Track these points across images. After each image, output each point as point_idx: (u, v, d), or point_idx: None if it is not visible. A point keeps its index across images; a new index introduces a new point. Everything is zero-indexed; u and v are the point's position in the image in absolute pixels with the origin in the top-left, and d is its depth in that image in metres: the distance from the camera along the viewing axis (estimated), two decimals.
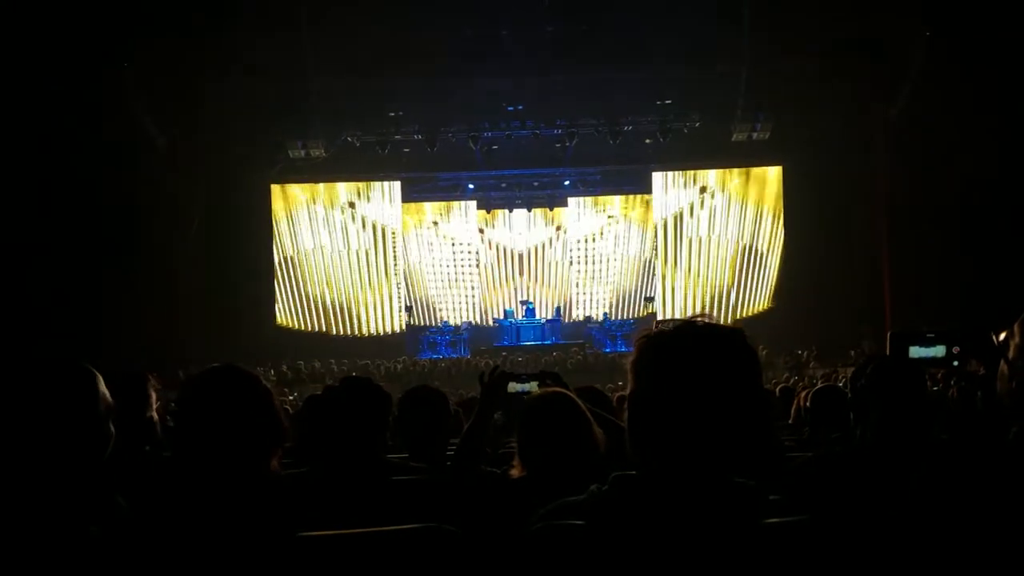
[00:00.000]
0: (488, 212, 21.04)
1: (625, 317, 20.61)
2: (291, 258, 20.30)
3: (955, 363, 2.74)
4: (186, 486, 1.67)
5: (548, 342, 19.95)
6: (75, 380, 1.69)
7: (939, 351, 2.73)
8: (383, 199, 20.52)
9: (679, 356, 1.33)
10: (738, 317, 19.72)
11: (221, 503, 1.62)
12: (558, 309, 20.78)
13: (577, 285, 21.08)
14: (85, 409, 1.68)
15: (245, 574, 1.53)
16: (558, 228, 21.17)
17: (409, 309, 20.59)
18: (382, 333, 20.41)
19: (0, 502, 1.53)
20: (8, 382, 1.63)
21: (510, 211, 21.05)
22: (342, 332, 20.31)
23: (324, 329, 20.31)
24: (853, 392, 2.62)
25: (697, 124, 18.42)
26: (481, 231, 21.11)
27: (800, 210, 18.88)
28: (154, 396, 3.09)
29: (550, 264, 21.20)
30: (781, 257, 19.82)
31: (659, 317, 19.36)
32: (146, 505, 1.68)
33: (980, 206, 14.33)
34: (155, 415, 3.07)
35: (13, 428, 1.60)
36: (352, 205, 20.47)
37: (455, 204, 21.03)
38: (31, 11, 12.43)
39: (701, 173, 20.32)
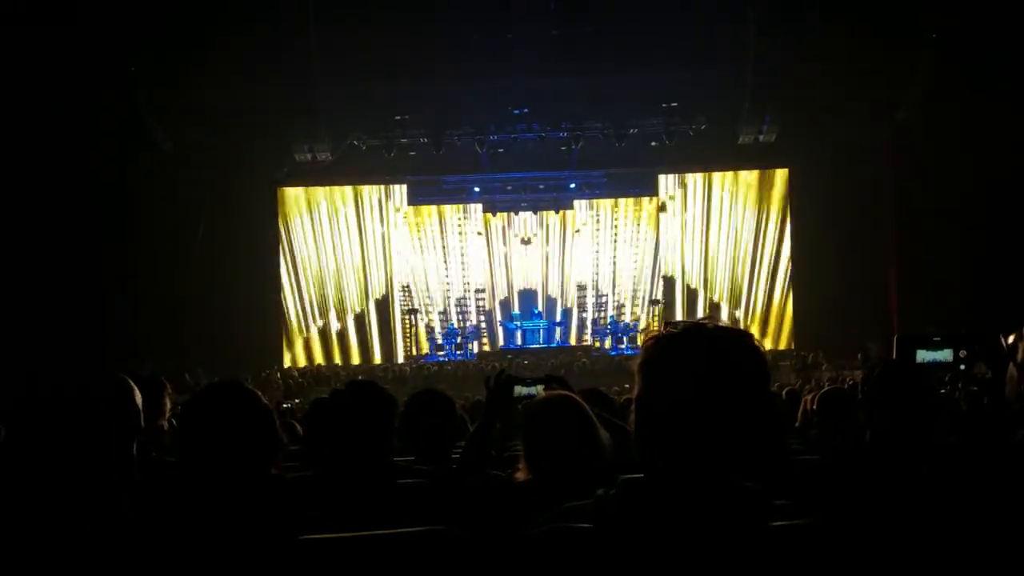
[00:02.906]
0: (494, 215, 21.05)
1: (631, 320, 20.59)
2: (297, 261, 20.33)
3: (962, 367, 2.73)
4: (189, 493, 1.70)
5: (554, 344, 19.96)
6: (115, 392, 1.77)
7: (946, 355, 2.72)
8: (389, 202, 20.54)
9: (687, 358, 1.32)
10: (745, 319, 19.68)
11: (221, 510, 1.64)
12: (564, 311, 20.78)
13: (583, 288, 21.06)
14: (123, 421, 1.76)
15: None
16: (564, 231, 21.16)
17: (415, 312, 20.60)
18: (388, 336, 20.41)
19: (19, 503, 1.56)
20: (52, 393, 1.70)
21: (516, 214, 21.05)
22: (347, 335, 20.32)
23: (329, 332, 20.32)
24: (863, 395, 2.61)
25: (703, 127, 18.41)
26: (486, 234, 21.11)
27: (807, 213, 18.84)
28: (168, 404, 3.11)
29: (556, 267, 21.18)
30: (788, 260, 19.77)
31: (666, 319, 19.34)
32: (152, 509, 1.69)
33: (988, 209, 14.28)
34: (165, 423, 3.09)
35: (51, 433, 1.65)
36: (358, 208, 20.49)
37: (461, 207, 21.03)
38: (36, 14, 12.48)
39: (707, 176, 20.30)
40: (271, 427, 1.86)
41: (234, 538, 1.56)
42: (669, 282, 20.40)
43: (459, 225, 21.10)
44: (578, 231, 21.00)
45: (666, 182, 20.39)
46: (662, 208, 20.51)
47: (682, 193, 20.43)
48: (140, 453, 2.86)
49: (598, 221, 21.07)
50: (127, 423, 1.77)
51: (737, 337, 1.34)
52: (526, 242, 21.00)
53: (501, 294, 21.15)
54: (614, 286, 21.01)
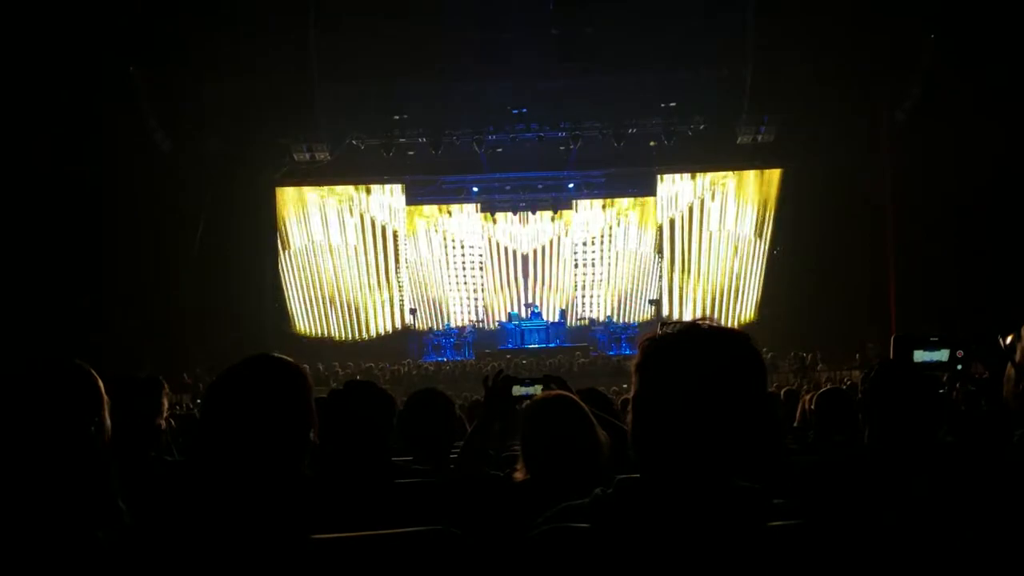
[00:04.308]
0: (492, 215, 21.05)
1: (629, 320, 20.59)
2: (295, 261, 20.32)
3: (959, 367, 2.74)
4: (203, 488, 1.63)
5: (552, 345, 19.94)
6: (76, 381, 1.70)
7: (943, 355, 2.73)
8: (387, 202, 20.54)
9: (684, 358, 1.33)
10: (743, 320, 19.69)
11: (242, 505, 1.58)
12: (562, 312, 20.78)
13: (581, 288, 21.07)
14: (86, 411, 1.68)
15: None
16: (562, 231, 21.16)
17: (414, 312, 20.60)
18: (386, 336, 20.42)
19: (5, 505, 1.54)
20: (9, 382, 1.63)
21: (514, 214, 21.06)
22: (346, 336, 20.33)
23: (328, 333, 20.32)
24: (861, 395, 2.61)
25: (702, 127, 18.41)
26: (485, 234, 21.12)
27: (805, 213, 18.84)
28: (166, 404, 3.11)
29: (554, 267, 21.19)
30: (785, 260, 19.78)
31: (663, 320, 19.35)
32: (150, 510, 1.67)
33: (986, 210, 14.29)
34: (163, 423, 3.09)
35: (13, 428, 1.60)
36: (356, 208, 20.49)
37: (459, 207, 21.04)
38: (36, 14, 12.47)
39: (706, 176, 20.31)
40: (310, 407, 1.68)
41: (243, 538, 1.54)
42: (667, 282, 20.39)
43: (457, 225, 21.10)
44: (576, 231, 21.00)
45: (664, 182, 20.39)
46: (660, 208, 20.50)
47: (680, 193, 20.43)
48: (135, 452, 2.86)
49: (597, 221, 21.07)
50: (80, 413, 1.67)
51: (733, 337, 1.35)
52: (524, 242, 21.01)
53: (500, 294, 21.15)
54: (612, 286, 21.02)
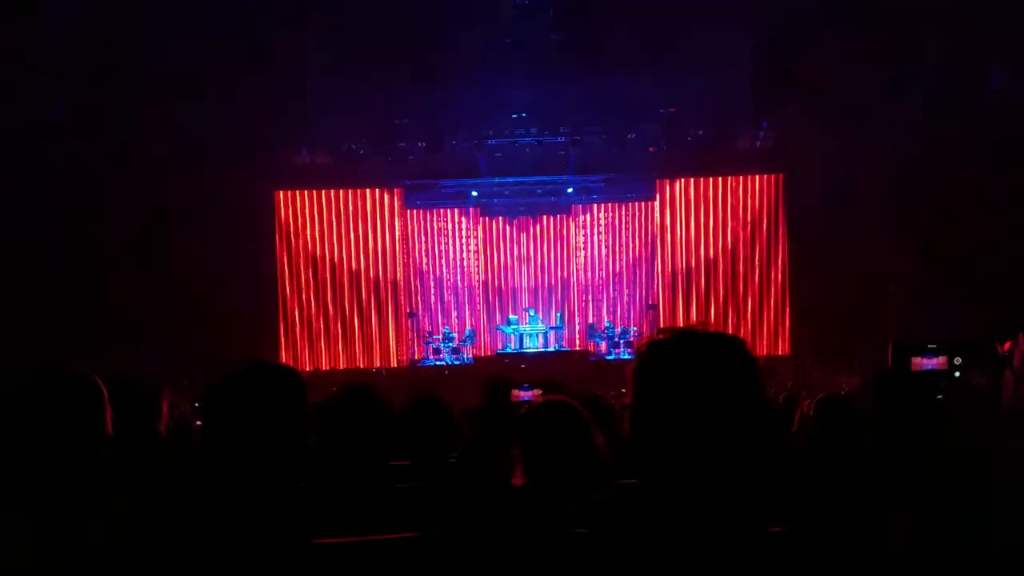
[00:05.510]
0: (491, 219, 21.06)
1: (628, 325, 20.60)
2: (294, 264, 20.31)
3: (956, 374, 2.75)
4: (202, 492, 1.64)
5: (551, 349, 19.96)
6: (80, 390, 1.71)
7: (941, 362, 2.74)
8: (386, 206, 20.55)
9: (680, 363, 1.33)
10: (740, 325, 19.69)
11: (242, 508, 1.58)
12: (561, 316, 20.78)
13: (580, 292, 21.06)
14: (90, 418, 1.69)
15: None
16: (561, 235, 21.17)
17: (412, 316, 20.59)
18: (384, 339, 20.40)
19: (9, 509, 1.55)
20: (20, 393, 1.65)
21: (513, 218, 21.06)
22: (344, 338, 20.30)
23: (326, 335, 20.30)
24: (861, 401, 2.62)
25: (700, 132, 18.42)
26: (484, 237, 21.12)
27: (803, 218, 18.85)
28: (166, 410, 3.11)
29: (553, 271, 21.19)
30: (784, 265, 19.79)
31: (661, 325, 19.36)
32: (151, 514, 1.67)
33: (984, 216, 14.30)
34: (163, 427, 3.09)
35: (18, 434, 1.61)
36: (355, 212, 20.49)
37: (458, 211, 21.05)
38: (36, 18, 12.48)
39: (705, 181, 20.32)
40: (306, 413, 1.72)
41: (244, 540, 1.54)
42: (665, 287, 20.40)
43: (456, 229, 21.11)
44: (575, 235, 21.01)
45: (664, 187, 20.40)
46: (659, 213, 20.51)
47: (679, 198, 20.44)
48: (135, 457, 2.86)
49: (596, 225, 21.08)
50: (91, 427, 1.69)
51: (729, 342, 1.35)
52: (523, 246, 21.03)
53: (498, 298, 21.15)
54: (611, 290, 21.02)
